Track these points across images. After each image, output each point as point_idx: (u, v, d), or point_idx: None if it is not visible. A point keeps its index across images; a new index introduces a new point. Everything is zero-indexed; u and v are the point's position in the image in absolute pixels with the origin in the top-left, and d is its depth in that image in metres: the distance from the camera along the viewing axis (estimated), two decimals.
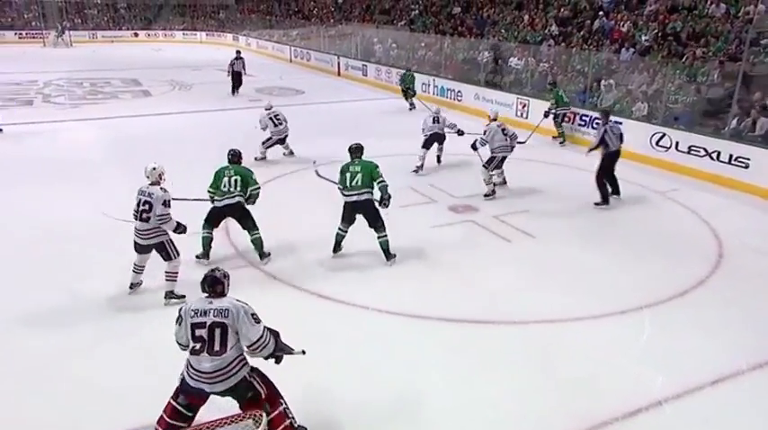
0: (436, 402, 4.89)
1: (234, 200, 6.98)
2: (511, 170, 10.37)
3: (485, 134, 9.71)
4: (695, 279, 6.98)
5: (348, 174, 7.15)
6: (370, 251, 7.41)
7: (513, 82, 16.56)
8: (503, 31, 20.09)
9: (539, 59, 16.60)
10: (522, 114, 15.04)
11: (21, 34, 37.60)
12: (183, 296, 6.14)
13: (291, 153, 12.10)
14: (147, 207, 5.97)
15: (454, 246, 7.86)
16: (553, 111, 13.46)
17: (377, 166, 7.20)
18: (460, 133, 11.49)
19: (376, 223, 7.21)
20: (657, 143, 11.66)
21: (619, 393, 5.00)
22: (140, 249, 6.22)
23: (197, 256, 7.08)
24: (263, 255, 7.24)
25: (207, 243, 7.17)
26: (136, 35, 40.87)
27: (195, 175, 8.10)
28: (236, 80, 19.81)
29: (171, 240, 6.24)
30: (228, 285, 4.10)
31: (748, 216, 9.23)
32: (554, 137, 13.83)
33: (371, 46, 23.87)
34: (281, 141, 11.88)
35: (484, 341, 5.79)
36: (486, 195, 9.62)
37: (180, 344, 4.09)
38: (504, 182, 10.27)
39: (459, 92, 17.39)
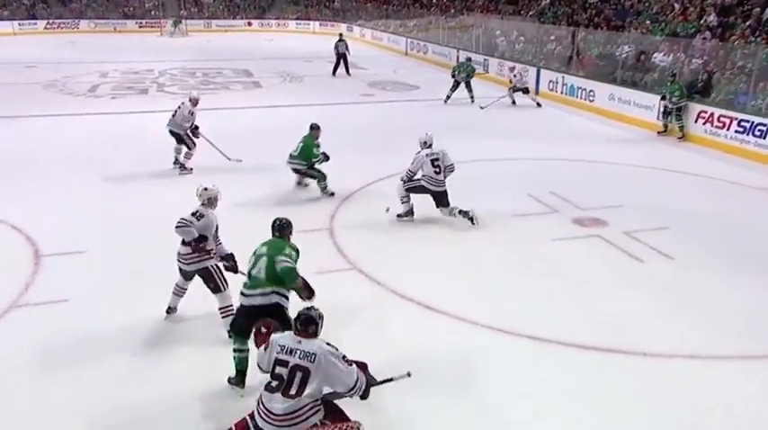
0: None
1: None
2: (640, 177, 9.89)
3: (412, 164, 8.64)
4: None
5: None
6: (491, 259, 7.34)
7: (656, 81, 15.78)
8: (648, 22, 19.25)
9: (690, 55, 15.71)
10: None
11: (141, 23, 40.95)
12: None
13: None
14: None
15: (577, 264, 7.59)
16: (674, 104, 13.36)
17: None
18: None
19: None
20: None
21: None
22: (183, 275, 6.01)
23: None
24: None
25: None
26: (249, 24, 42.89)
27: None
28: (339, 61, 22.35)
29: (218, 267, 5.91)
30: (322, 327, 4.15)
31: None
32: (659, 132, 13.75)
33: (494, 39, 23.62)
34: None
35: (608, 372, 5.55)
36: (398, 215, 8.75)
37: (261, 368, 4.22)
38: (411, 213, 8.78)
39: (591, 91, 16.79)
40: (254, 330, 4.63)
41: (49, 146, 12.77)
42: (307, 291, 5.23)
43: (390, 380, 4.28)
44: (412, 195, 8.69)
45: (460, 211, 8.52)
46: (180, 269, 5.94)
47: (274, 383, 3.96)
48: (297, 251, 5.31)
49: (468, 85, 17.62)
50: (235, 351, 5.14)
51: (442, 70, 23.48)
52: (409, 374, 4.27)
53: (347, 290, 6.89)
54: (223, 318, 5.87)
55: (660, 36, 17.49)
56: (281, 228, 5.36)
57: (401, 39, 31.20)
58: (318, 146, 9.55)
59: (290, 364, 3.94)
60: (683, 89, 13.58)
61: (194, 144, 10.83)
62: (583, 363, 5.66)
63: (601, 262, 7.68)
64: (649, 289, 7.01)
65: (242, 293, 5.16)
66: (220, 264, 5.96)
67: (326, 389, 4.06)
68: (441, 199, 8.57)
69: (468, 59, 18.75)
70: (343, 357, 4.04)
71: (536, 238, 8.28)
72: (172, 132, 10.73)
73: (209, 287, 5.89)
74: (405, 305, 6.61)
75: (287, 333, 4.20)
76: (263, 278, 5.03)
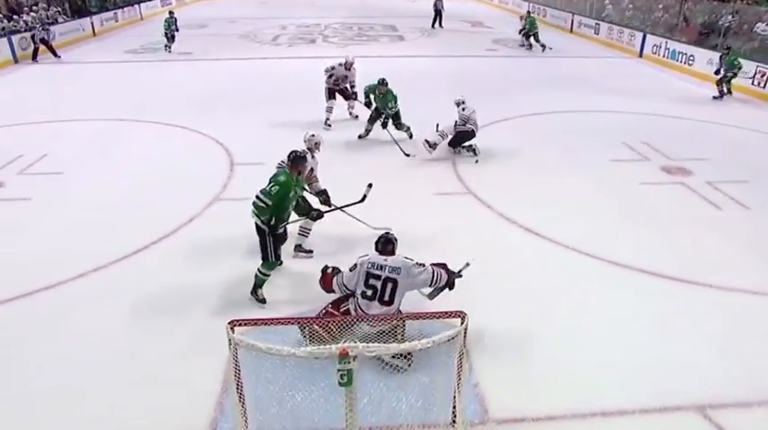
0: (614, 339, 4.71)
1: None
2: (726, 135, 9.06)
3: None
4: None
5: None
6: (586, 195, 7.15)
7: (755, 49, 14.09)
8: None
9: None
10: (760, 84, 12.86)
11: None
12: (311, 251, 5.83)
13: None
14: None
15: (661, 205, 7.19)
16: (728, 74, 12.28)
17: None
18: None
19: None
20: None
21: None
22: None
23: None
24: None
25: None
26: None
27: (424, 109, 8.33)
28: (436, 16, 22.41)
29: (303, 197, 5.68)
30: (397, 246, 4.32)
31: None
32: (715, 97, 12.41)
33: (605, 5, 21.78)
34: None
35: (675, 299, 5.32)
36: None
37: (346, 287, 4.26)
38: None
39: (691, 56, 15.25)
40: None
41: (242, 82, 13.47)
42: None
43: (461, 271, 4.46)
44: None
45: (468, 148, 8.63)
46: None
47: (369, 292, 4.12)
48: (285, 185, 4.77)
49: (528, 36, 18.07)
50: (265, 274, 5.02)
51: (557, 32, 22.13)
52: (468, 264, 4.46)
53: (463, 210, 6.98)
54: (299, 235, 5.83)
55: (765, 6, 15.44)
56: (291, 160, 4.99)
57: (524, 2, 29.44)
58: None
59: (382, 277, 4.11)
60: (737, 62, 12.46)
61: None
62: (654, 289, 5.46)
63: (682, 206, 7.22)
64: (723, 232, 6.54)
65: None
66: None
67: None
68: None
69: (529, 13, 19.67)
70: (418, 263, 4.22)
71: (627, 181, 7.88)
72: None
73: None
74: (506, 225, 6.61)
75: (372, 253, 4.29)
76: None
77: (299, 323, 3.97)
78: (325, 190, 5.95)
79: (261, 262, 4.99)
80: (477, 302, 4.42)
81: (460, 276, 4.47)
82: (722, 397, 4.11)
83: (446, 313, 3.37)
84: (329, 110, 9.84)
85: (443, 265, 4.42)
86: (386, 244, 4.30)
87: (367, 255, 4.31)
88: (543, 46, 17.75)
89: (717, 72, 12.58)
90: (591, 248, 6.03)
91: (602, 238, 6.27)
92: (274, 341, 3.08)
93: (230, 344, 3.15)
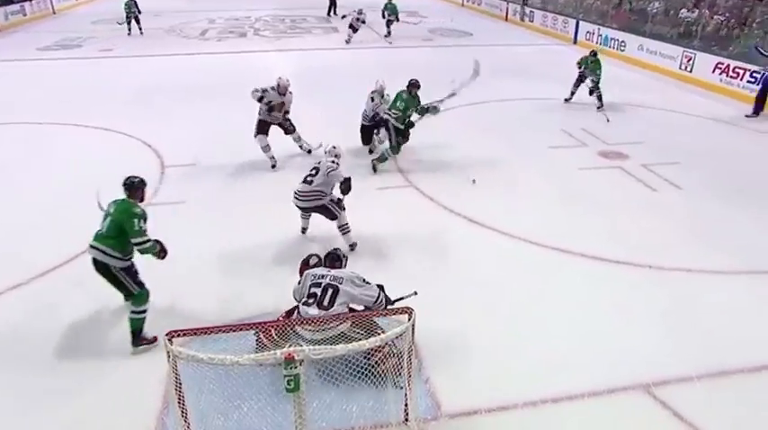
0: (561, 325, 4.87)
1: None
2: (659, 119, 9.53)
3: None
4: None
5: None
6: (528, 183, 7.33)
7: (681, 34, 14.83)
8: None
9: (714, 11, 14.63)
10: (686, 68, 13.55)
11: None
12: (355, 244, 5.91)
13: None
14: (314, 172, 5.78)
15: (599, 189, 7.47)
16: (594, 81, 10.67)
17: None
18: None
19: None
20: None
21: (745, 347, 4.64)
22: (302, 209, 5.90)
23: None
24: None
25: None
26: None
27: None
28: (332, 3, 22.63)
29: (333, 200, 5.84)
30: (346, 265, 4.37)
31: None
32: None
33: None
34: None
35: (623, 281, 5.56)
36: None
37: (295, 298, 4.31)
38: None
39: (623, 41, 15.92)
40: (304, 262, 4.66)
41: (170, 80, 13.05)
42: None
43: (401, 299, 4.40)
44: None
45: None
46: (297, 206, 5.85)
47: (311, 300, 4.08)
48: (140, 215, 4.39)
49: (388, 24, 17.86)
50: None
51: (492, 20, 22.57)
52: (416, 293, 4.40)
53: (405, 202, 7.06)
54: (343, 235, 5.91)
55: None
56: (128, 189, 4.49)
57: None
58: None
59: (323, 284, 4.10)
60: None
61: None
62: (599, 273, 5.68)
63: (620, 189, 7.54)
64: (660, 214, 6.88)
65: None
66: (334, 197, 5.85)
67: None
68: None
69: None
70: (363, 279, 4.19)
71: (566, 167, 8.16)
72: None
73: (327, 217, 5.87)
74: (449, 217, 6.71)
75: (319, 267, 4.37)
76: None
77: (239, 329, 3.85)
78: (348, 178, 5.86)
79: (130, 301, 4.50)
80: (424, 297, 4.46)
81: (400, 299, 4.44)
82: (666, 374, 4.32)
83: (393, 310, 3.38)
84: (265, 149, 7.88)
85: (381, 287, 4.33)
86: (333, 260, 4.37)
87: (313, 257, 4.36)
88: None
89: (590, 92, 10.78)
90: (536, 237, 6.21)
91: (546, 226, 6.46)
92: (217, 351, 3.01)
93: (169, 356, 3.06)
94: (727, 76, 12.39)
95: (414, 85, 7.94)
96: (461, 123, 10.01)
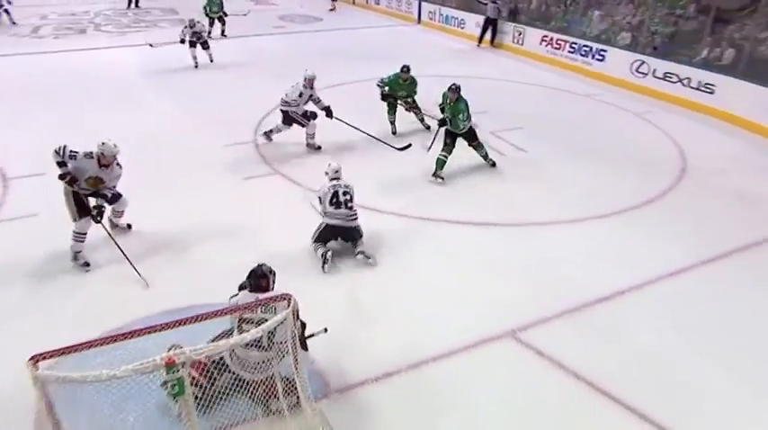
0: (432, 289, 5.11)
1: None
2: (500, 88, 10.14)
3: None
4: (660, 190, 7.02)
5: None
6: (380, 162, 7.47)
7: (512, 12, 15.83)
8: None
9: None
10: (517, 41, 14.53)
11: None
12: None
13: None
14: (348, 197, 5.53)
15: (453, 159, 7.71)
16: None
17: None
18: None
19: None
20: (637, 69, 11.34)
21: (592, 283, 5.17)
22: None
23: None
24: None
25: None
26: None
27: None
28: None
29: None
30: (274, 281, 3.86)
31: (711, 138, 9.07)
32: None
33: None
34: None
35: (483, 239, 5.92)
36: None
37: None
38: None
39: (462, 20, 16.69)
40: None
41: (2, 83, 11.58)
42: None
43: (312, 335, 4.03)
44: None
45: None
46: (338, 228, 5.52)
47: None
48: None
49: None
50: None
51: (340, 4, 22.57)
52: (326, 330, 4.09)
53: (274, 191, 6.95)
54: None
55: None
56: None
57: None
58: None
59: (255, 320, 3.49)
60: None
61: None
62: (460, 234, 6.01)
63: (473, 156, 7.86)
64: (511, 175, 7.40)
65: None
66: None
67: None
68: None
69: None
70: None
71: (418, 142, 8.34)
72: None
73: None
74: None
75: (242, 293, 3.83)
76: None
77: (107, 343, 3.43)
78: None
79: None
80: (300, 279, 4.43)
81: (312, 336, 4.08)
82: (528, 319, 4.69)
83: (272, 298, 3.33)
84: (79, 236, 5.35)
85: (304, 325, 3.93)
86: (259, 278, 3.77)
87: (237, 295, 3.85)
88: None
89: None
90: (404, 211, 6.39)
91: (414, 201, 6.68)
92: (94, 365, 2.78)
93: (35, 382, 2.76)
94: (551, 47, 13.48)
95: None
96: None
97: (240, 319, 3.54)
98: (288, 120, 7.99)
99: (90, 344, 3.00)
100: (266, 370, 3.56)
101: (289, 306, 3.22)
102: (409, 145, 7.89)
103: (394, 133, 8.81)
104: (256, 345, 3.50)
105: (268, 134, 8.23)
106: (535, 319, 4.70)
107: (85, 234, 5.28)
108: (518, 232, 6.09)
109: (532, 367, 4.24)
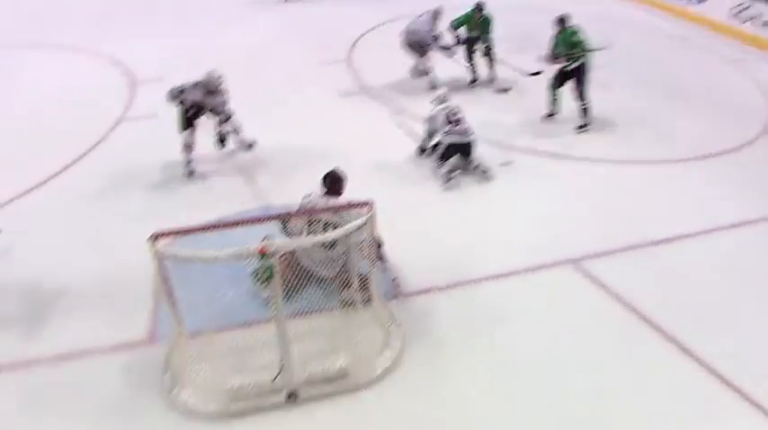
0: (502, 211, 5.01)
1: None
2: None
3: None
4: (741, 141, 6.34)
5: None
6: None
7: None
8: None
9: None
10: None
11: None
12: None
13: None
14: (461, 115, 5.47)
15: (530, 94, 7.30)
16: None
17: None
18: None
19: None
20: (737, 14, 10.01)
21: (660, 223, 4.89)
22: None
23: None
24: None
25: None
26: None
27: None
28: None
29: None
30: (345, 186, 3.86)
31: None
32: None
33: None
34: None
35: (554, 175, 5.65)
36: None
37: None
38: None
39: None
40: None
41: None
42: None
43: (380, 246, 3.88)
44: None
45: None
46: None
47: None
48: None
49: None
50: None
51: None
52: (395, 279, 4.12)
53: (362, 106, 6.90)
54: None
55: None
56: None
57: None
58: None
59: (322, 221, 3.63)
60: None
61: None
62: (540, 168, 5.74)
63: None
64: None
65: None
66: None
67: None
68: None
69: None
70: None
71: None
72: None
73: None
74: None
75: (315, 193, 3.85)
76: None
77: (221, 227, 3.60)
78: None
79: None
80: (387, 189, 4.44)
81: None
82: (591, 249, 4.52)
83: (355, 204, 3.38)
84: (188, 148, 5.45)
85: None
86: (333, 182, 3.81)
87: (311, 195, 3.87)
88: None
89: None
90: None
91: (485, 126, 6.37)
92: (203, 246, 2.96)
93: (154, 256, 3.00)
94: None
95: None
96: None
97: (310, 219, 3.66)
98: (422, 51, 7.12)
99: (199, 229, 3.23)
100: (333, 267, 3.71)
101: (369, 211, 3.25)
102: (540, 71, 6.83)
103: (474, 82, 7.45)
104: (323, 245, 3.54)
105: (418, 72, 7.29)
106: (599, 251, 4.52)
107: (190, 146, 5.39)
108: (595, 168, 5.75)
109: (589, 295, 4.12)
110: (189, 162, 5.43)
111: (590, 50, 6.13)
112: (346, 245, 3.56)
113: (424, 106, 5.83)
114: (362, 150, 5.79)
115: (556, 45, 6.22)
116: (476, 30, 7.11)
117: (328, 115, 6.70)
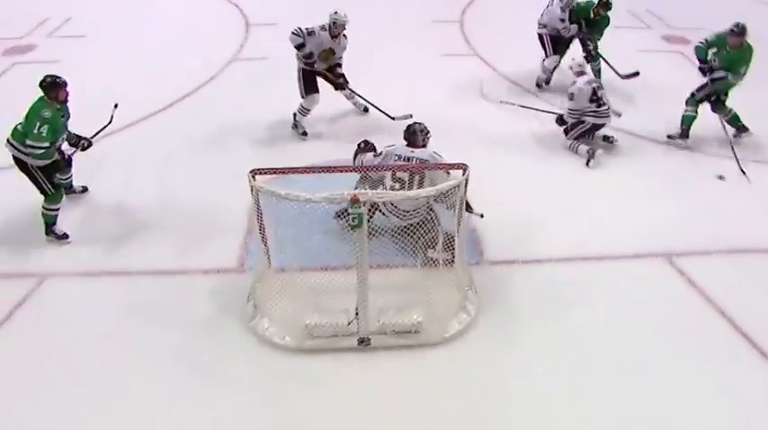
0: (596, 199, 4.75)
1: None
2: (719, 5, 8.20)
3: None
4: None
5: None
6: None
7: None
8: None
9: None
10: None
11: None
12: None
13: None
14: (603, 91, 5.27)
15: (657, 73, 6.62)
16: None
17: None
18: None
19: None
20: None
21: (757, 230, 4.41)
22: None
23: None
24: None
25: None
26: None
27: None
28: None
29: None
30: (427, 138, 3.95)
31: None
32: None
33: None
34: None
35: (655, 163, 5.26)
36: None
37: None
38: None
39: None
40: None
41: None
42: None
43: (472, 211, 4.03)
44: None
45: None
46: None
47: (397, 185, 3.75)
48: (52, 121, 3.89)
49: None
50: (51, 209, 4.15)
51: None
52: (482, 216, 4.11)
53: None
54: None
55: None
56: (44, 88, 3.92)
57: None
58: None
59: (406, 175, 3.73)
60: None
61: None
62: (638, 151, 5.40)
63: (678, 73, 6.67)
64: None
65: None
66: None
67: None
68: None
69: None
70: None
71: (624, 50, 7.23)
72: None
73: None
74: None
75: (399, 143, 3.94)
76: None
77: (316, 171, 3.57)
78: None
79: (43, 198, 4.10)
80: (481, 156, 4.30)
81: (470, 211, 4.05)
82: (686, 247, 4.21)
83: (450, 165, 3.34)
84: (304, 110, 5.44)
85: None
86: (413, 134, 3.92)
87: (394, 145, 3.96)
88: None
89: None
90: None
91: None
92: (294, 188, 3.06)
93: (252, 190, 3.16)
94: None
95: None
96: None
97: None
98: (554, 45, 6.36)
99: (295, 170, 3.34)
100: (410, 218, 3.71)
101: (464, 174, 3.20)
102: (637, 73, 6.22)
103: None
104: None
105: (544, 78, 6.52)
106: (697, 250, 4.19)
107: (309, 110, 5.39)
108: (708, 163, 5.26)
109: (677, 291, 3.86)
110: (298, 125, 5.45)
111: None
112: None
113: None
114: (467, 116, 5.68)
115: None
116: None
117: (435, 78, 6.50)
